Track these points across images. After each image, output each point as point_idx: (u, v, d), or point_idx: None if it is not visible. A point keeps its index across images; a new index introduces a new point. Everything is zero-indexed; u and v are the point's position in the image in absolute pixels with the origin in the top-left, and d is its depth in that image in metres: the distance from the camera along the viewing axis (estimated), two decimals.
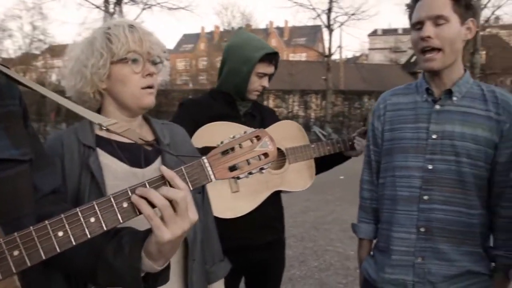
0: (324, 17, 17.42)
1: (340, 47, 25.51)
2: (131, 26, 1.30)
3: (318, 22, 17.90)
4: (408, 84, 1.76)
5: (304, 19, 58.14)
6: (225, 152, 1.01)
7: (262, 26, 59.12)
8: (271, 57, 1.99)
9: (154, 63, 1.33)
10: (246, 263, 1.99)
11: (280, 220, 2.14)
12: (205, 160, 0.99)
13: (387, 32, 67.10)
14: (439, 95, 1.62)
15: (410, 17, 1.63)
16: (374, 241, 1.84)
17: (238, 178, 1.03)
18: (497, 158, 1.57)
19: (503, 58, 31.15)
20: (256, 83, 1.99)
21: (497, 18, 26.05)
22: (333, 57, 18.47)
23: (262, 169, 1.05)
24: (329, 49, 17.31)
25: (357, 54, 57.28)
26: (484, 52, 31.98)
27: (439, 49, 1.54)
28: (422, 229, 1.60)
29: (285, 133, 2.04)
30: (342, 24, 19.37)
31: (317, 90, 18.48)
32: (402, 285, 1.63)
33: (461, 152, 1.56)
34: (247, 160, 1.03)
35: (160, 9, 16.27)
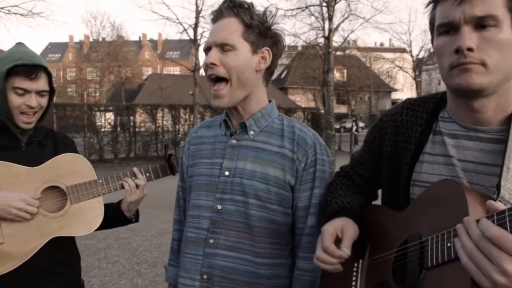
0: (191, 31, 17.03)
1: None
2: None
3: (185, 36, 17.37)
4: (218, 116, 1.59)
5: (171, 32, 57.83)
6: None
7: (134, 38, 57.50)
8: (34, 71, 1.67)
9: None
10: None
11: (72, 266, 1.85)
12: None
13: None
14: (236, 129, 1.48)
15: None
16: None
17: None
18: (296, 202, 1.44)
19: (360, 78, 34.29)
20: (17, 102, 1.65)
21: (355, 41, 28.30)
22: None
23: None
24: (196, 64, 16.99)
25: None
26: (345, 71, 34.85)
27: (226, 80, 1.39)
28: (204, 276, 1.43)
29: (67, 169, 1.75)
30: None
31: (186, 104, 18.20)
32: None
33: (249, 192, 1.40)
34: None
35: (8, 15, 14.59)
